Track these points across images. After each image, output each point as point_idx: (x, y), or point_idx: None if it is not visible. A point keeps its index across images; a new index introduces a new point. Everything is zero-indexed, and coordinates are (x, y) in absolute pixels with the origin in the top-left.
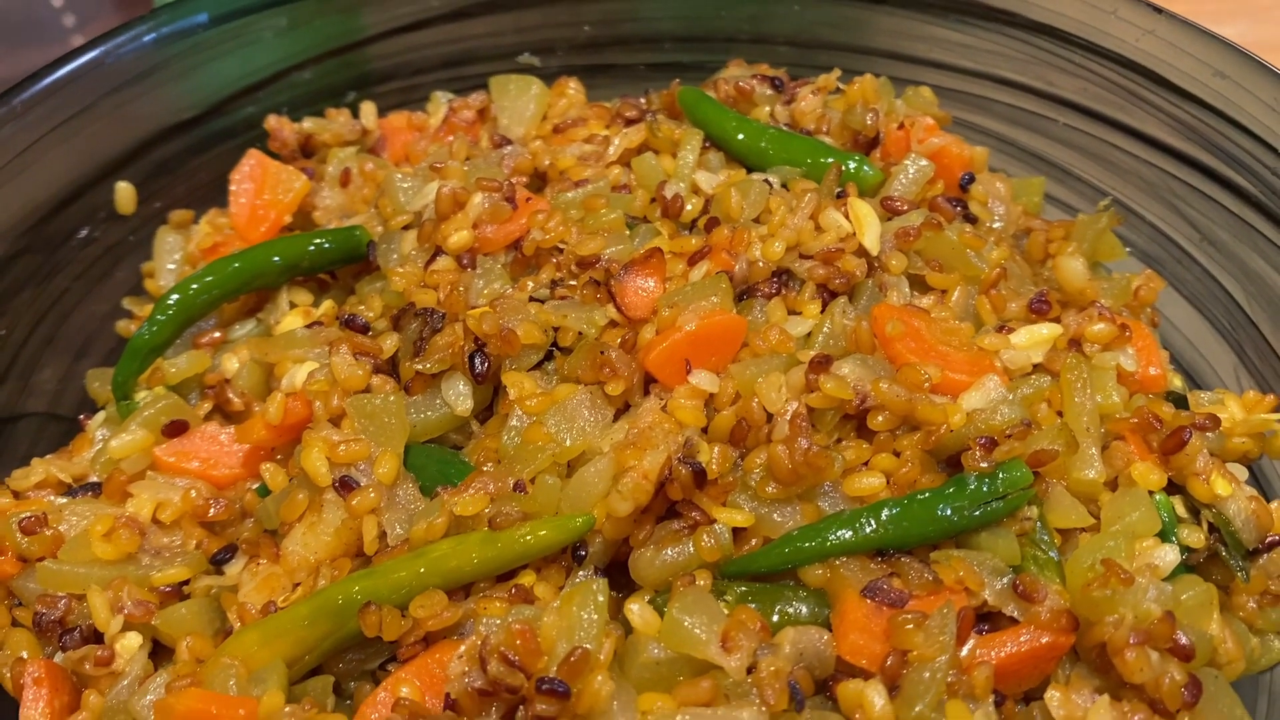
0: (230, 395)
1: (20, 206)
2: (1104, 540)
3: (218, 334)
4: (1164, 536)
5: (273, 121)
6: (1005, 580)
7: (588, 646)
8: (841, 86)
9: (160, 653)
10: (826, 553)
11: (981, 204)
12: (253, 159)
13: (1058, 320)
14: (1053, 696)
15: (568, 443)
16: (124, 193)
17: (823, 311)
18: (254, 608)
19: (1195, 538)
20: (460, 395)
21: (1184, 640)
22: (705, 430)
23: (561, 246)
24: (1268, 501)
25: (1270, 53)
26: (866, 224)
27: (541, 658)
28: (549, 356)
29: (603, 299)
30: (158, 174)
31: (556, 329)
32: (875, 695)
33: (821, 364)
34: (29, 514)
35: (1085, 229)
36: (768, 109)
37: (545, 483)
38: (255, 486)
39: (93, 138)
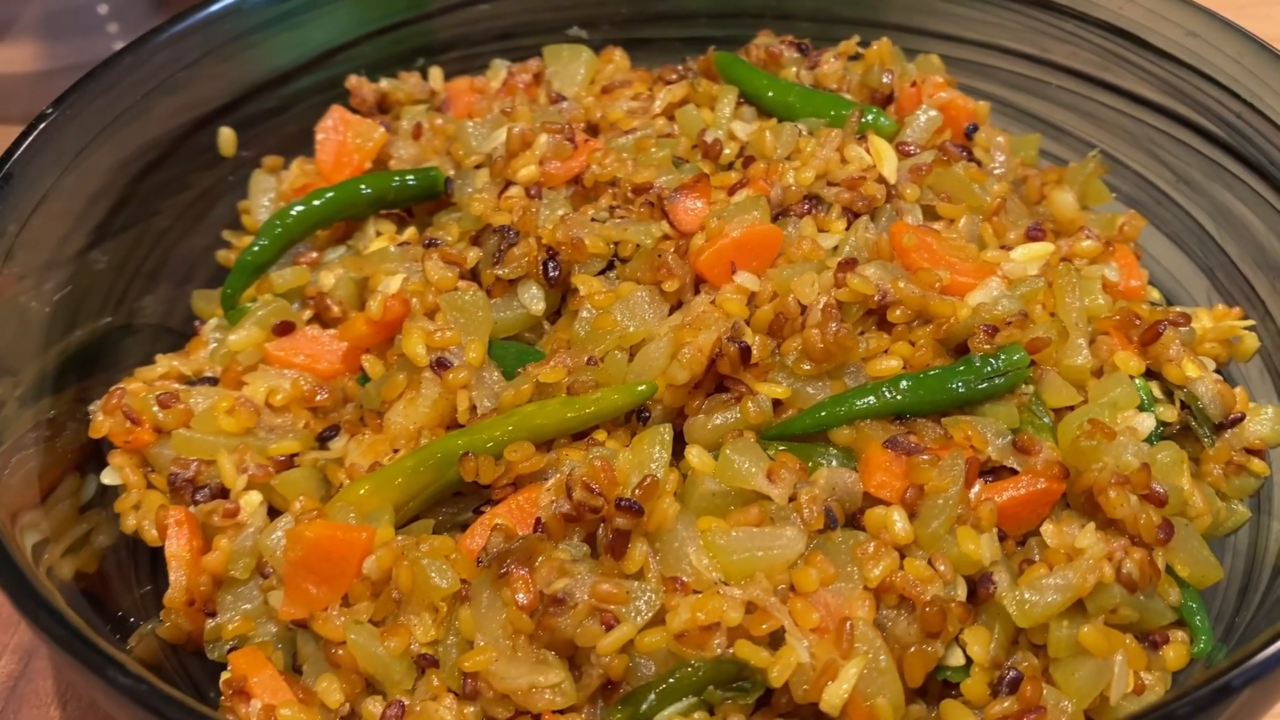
0: (329, 304)
1: (137, 147)
2: (1091, 409)
3: (314, 255)
4: (1142, 409)
5: (353, 80)
6: (1005, 439)
7: (657, 475)
8: (861, 51)
9: (273, 515)
10: (853, 416)
11: (984, 150)
12: (335, 113)
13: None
14: (1047, 529)
15: (631, 329)
16: (226, 137)
17: (847, 229)
18: (361, 468)
19: (1169, 413)
20: (534, 297)
21: (1158, 488)
22: (748, 322)
23: (617, 180)
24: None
25: None
26: (885, 157)
27: (617, 487)
28: (610, 267)
29: (657, 217)
30: (252, 124)
31: (617, 243)
32: (897, 518)
33: (849, 265)
34: (165, 391)
35: (1075, 174)
36: (795, 70)
37: (614, 357)
38: (353, 379)
39: (198, 89)
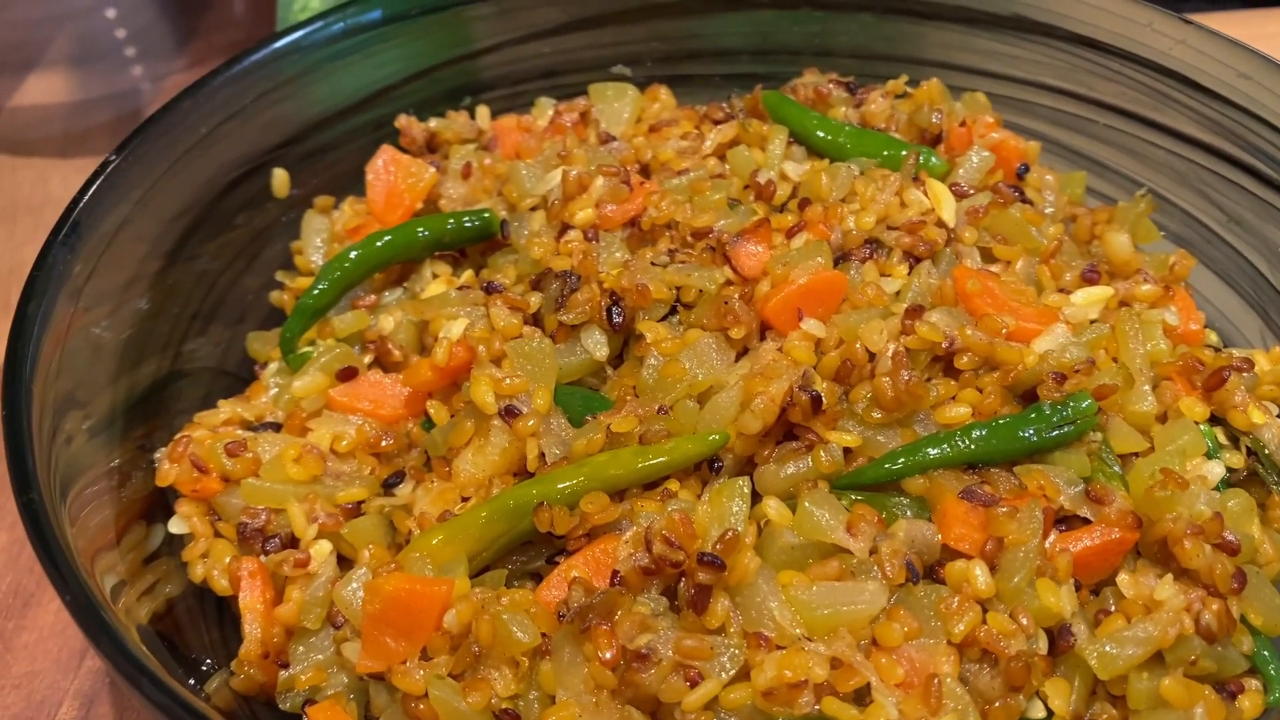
0: (390, 348)
1: (195, 190)
2: (1160, 458)
3: (372, 298)
4: (1210, 456)
5: (403, 120)
6: (1078, 488)
7: (738, 529)
8: (909, 90)
9: (340, 563)
10: (926, 466)
11: (1036, 191)
12: (386, 153)
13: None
14: (1123, 579)
15: (700, 377)
16: (279, 178)
17: (909, 274)
18: (432, 516)
19: (1236, 459)
20: (598, 343)
21: (1231, 538)
22: (815, 369)
23: (675, 223)
24: None
25: None
26: (943, 200)
27: (696, 540)
28: (672, 311)
29: (718, 262)
30: (304, 164)
31: (679, 288)
32: (979, 571)
33: (916, 311)
34: (232, 440)
35: (1125, 214)
36: (842, 110)
37: (685, 406)
38: (417, 424)
39: (252, 131)
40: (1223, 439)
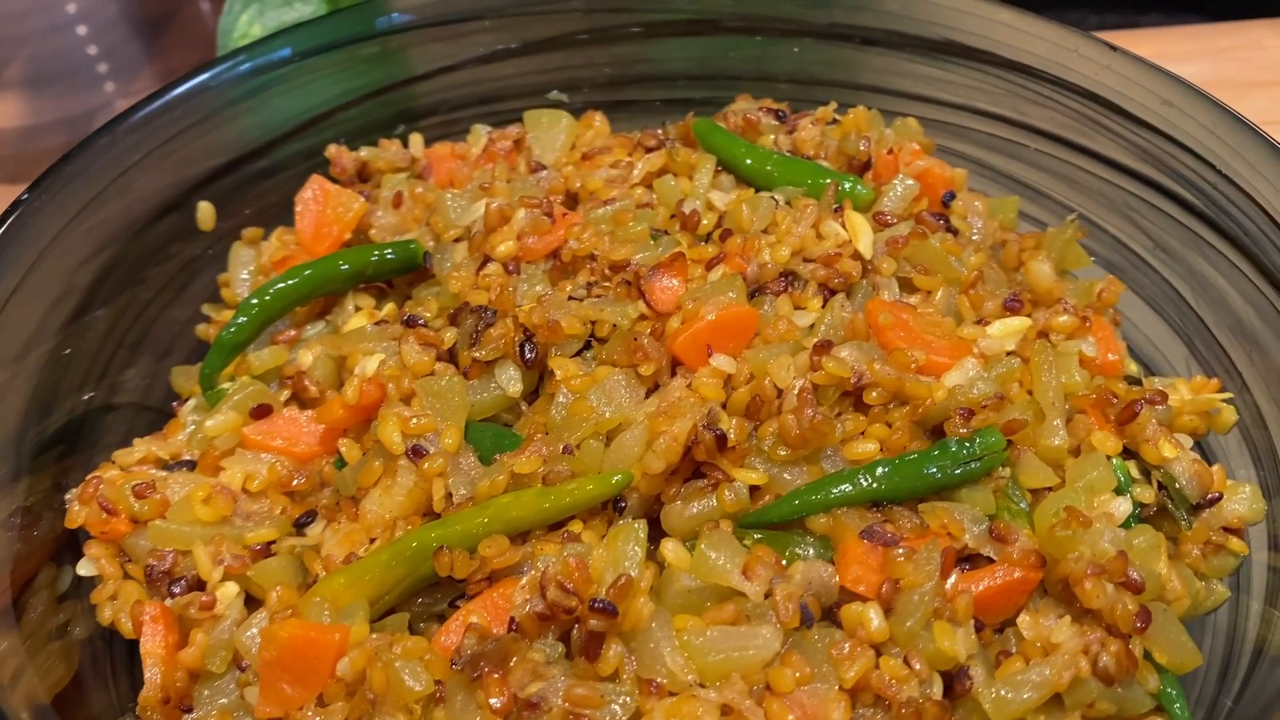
0: (307, 384)
1: (117, 225)
2: (1067, 494)
3: (292, 333)
4: (1119, 492)
5: (333, 150)
6: (982, 526)
7: (632, 574)
8: (838, 117)
9: (250, 604)
10: (829, 504)
11: (961, 218)
12: (315, 183)
13: (1029, 316)
14: (1024, 620)
15: (607, 415)
16: (205, 211)
17: (824, 306)
18: (337, 559)
19: (1146, 494)
20: (511, 379)
21: (1135, 576)
22: (724, 405)
23: (595, 255)
24: (1209, 466)
25: (1227, 89)
26: (861, 232)
27: (592, 585)
28: (587, 346)
29: (633, 296)
30: (232, 196)
31: (594, 322)
32: (873, 615)
33: (824, 347)
34: (141, 481)
35: (1054, 239)
36: (772, 137)
37: (590, 446)
38: (331, 462)
39: (176, 164)
40: (1136, 473)
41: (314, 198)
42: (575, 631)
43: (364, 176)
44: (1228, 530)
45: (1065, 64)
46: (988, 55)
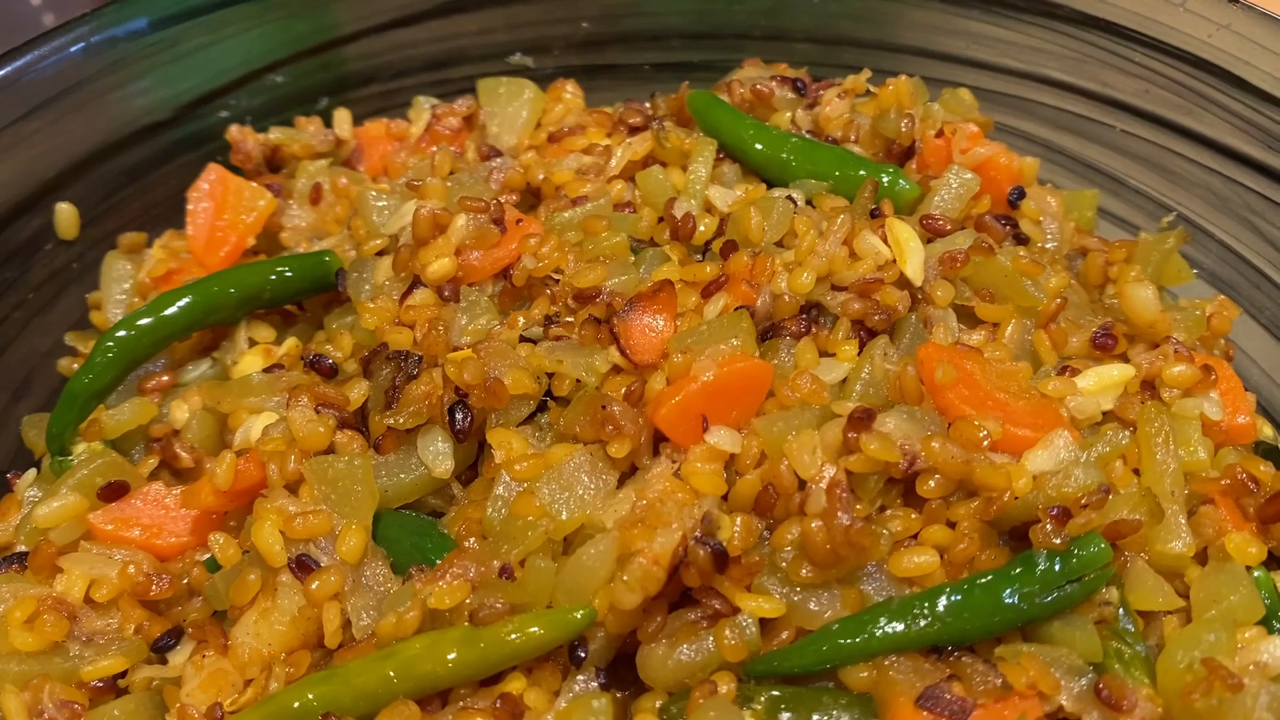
0: (178, 450)
1: None
2: (1201, 632)
3: (166, 377)
4: (1267, 624)
5: (235, 132)
6: (1085, 681)
7: None
8: (872, 89)
9: None
10: (873, 650)
11: (1033, 222)
12: (212, 174)
13: (1125, 358)
14: None
15: (563, 516)
16: (64, 214)
17: (860, 353)
18: (197, 711)
19: None
20: (439, 454)
21: None
22: (725, 498)
23: (557, 275)
24: None
25: None
26: (909, 249)
27: None
28: (542, 407)
29: (604, 340)
30: (106, 193)
31: (551, 375)
32: None
33: (862, 420)
34: None
35: (1150, 250)
36: (789, 114)
37: (537, 567)
38: (205, 558)
39: (26, 155)
40: None
41: (210, 193)
42: None
43: (274, 165)
44: None
45: (1165, 21)
46: (1059, 8)
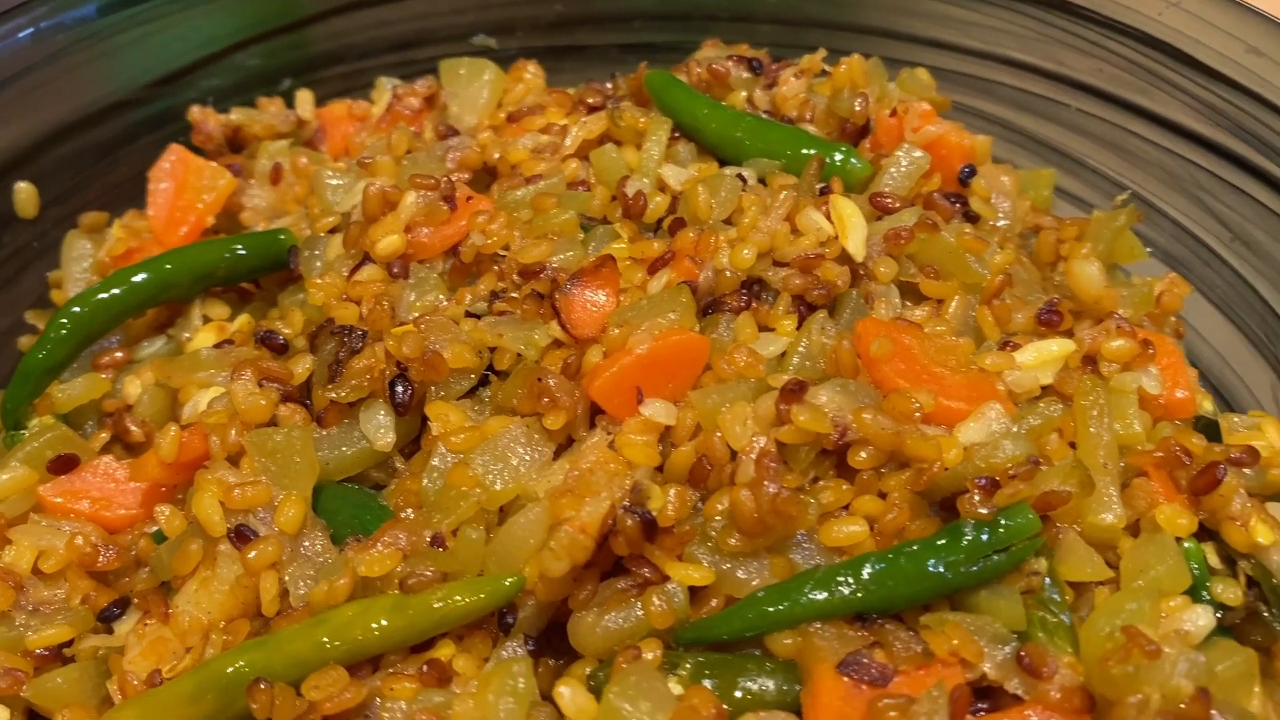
0: (129, 425)
1: None
2: (1125, 601)
3: (121, 354)
4: (1195, 594)
5: (196, 113)
6: (1008, 649)
7: None
8: (828, 69)
9: None
10: (798, 617)
11: (984, 200)
12: (174, 155)
13: (1070, 334)
14: None
15: (497, 486)
16: (24, 194)
17: (799, 328)
18: (137, 677)
19: (1231, 594)
20: (380, 427)
21: None
22: (660, 469)
23: (504, 252)
24: None
25: None
26: (851, 225)
27: None
28: (484, 382)
29: (546, 315)
30: (66, 172)
31: (493, 350)
32: None
33: (794, 392)
34: None
35: (1101, 227)
36: (744, 94)
37: (467, 536)
38: (153, 531)
39: None
40: (1215, 560)
41: (170, 173)
42: None
43: (236, 145)
44: None
45: (1121, 1)
46: None
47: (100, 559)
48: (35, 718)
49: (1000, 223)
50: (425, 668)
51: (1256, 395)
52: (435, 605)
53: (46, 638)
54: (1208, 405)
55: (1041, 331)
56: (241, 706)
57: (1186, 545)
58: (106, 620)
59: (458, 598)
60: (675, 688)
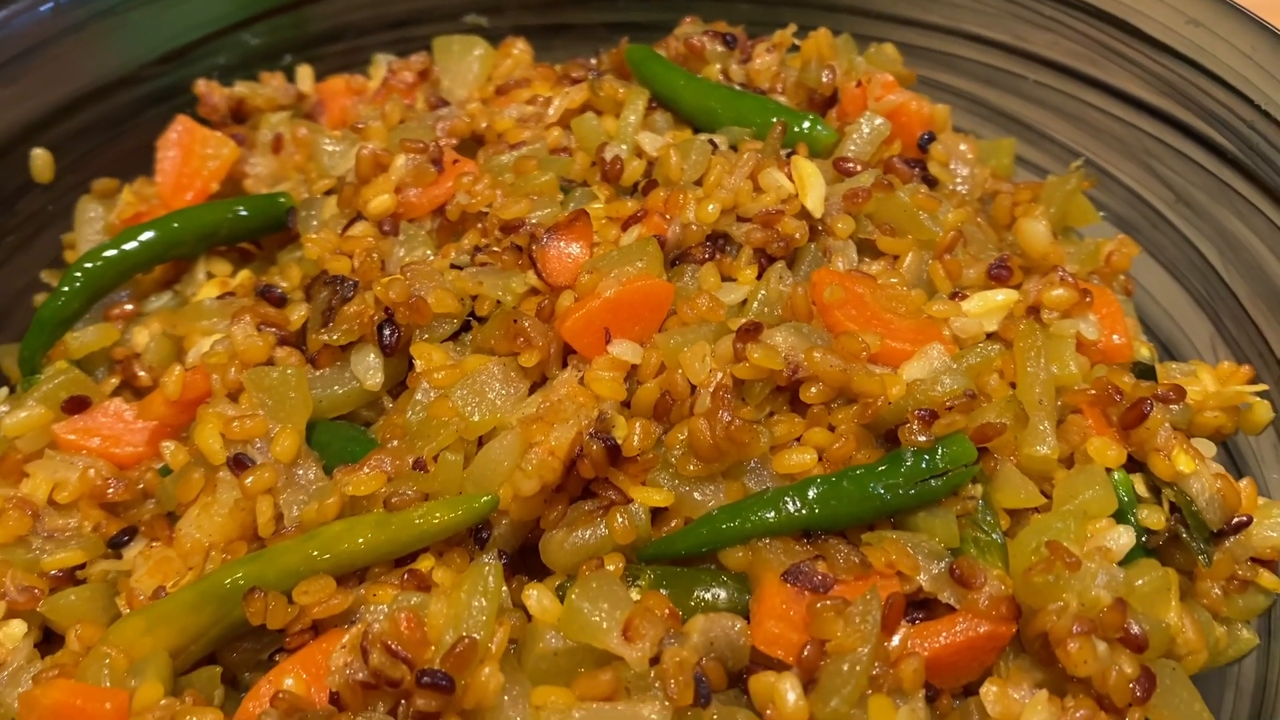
0: (138, 370)
1: None
2: (1052, 521)
3: (130, 306)
4: (1120, 517)
5: (202, 86)
6: (942, 564)
7: (476, 636)
8: (798, 43)
9: (56, 642)
10: (748, 533)
11: (942, 165)
12: (180, 125)
13: (1018, 287)
14: (989, 691)
15: (475, 418)
16: (40, 160)
17: (759, 278)
18: (143, 594)
19: (1155, 518)
20: (370, 368)
21: (1136, 629)
22: (628, 405)
23: (488, 210)
24: (1236, 480)
25: (1270, 5)
26: (810, 184)
27: (429, 648)
28: (467, 327)
29: (524, 265)
30: (80, 140)
31: (474, 298)
32: (788, 689)
33: (750, 332)
34: None
35: (1054, 191)
36: (719, 67)
37: (447, 460)
38: (159, 466)
39: (6, 101)
40: (1143, 489)
41: (177, 142)
42: (403, 709)
43: (239, 116)
44: (1257, 562)
45: None
46: None
47: (110, 491)
48: (50, 636)
49: (959, 187)
50: (406, 576)
51: (1198, 348)
52: (416, 521)
53: (60, 560)
54: (1145, 352)
55: (991, 285)
56: (239, 614)
57: (1116, 475)
58: (116, 547)
59: (437, 515)
60: (635, 595)
